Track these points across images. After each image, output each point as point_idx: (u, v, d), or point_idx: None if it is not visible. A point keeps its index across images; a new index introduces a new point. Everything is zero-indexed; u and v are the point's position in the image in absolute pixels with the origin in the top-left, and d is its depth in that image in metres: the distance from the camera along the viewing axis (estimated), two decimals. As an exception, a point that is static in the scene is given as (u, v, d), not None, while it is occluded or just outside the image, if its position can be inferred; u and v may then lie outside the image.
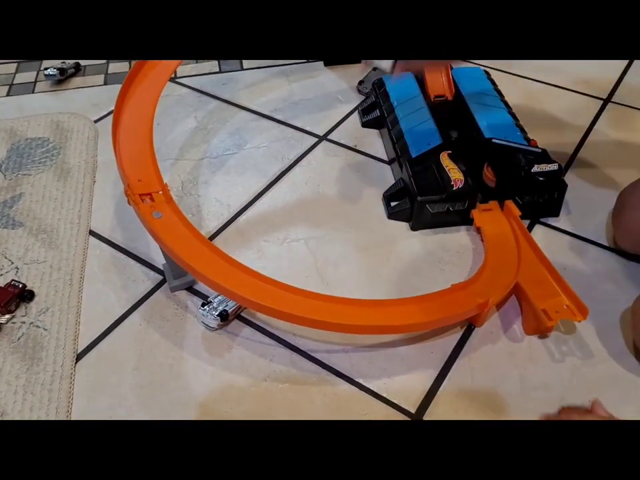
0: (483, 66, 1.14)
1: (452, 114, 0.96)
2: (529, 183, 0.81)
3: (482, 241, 0.80)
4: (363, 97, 1.09)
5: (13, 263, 0.79)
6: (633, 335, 0.68)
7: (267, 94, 1.12)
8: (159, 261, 0.79)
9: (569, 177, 0.91)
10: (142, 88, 0.79)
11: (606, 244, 0.81)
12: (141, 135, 0.73)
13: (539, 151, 0.85)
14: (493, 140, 0.86)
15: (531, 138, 0.89)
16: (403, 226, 0.85)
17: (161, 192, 0.69)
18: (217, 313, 0.70)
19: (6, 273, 0.78)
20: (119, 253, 0.81)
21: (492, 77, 1.04)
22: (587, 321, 0.68)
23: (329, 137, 1.01)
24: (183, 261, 0.63)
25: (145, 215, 0.65)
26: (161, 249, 0.72)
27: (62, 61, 1.18)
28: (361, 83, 1.11)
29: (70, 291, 0.75)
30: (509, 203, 0.81)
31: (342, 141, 1.00)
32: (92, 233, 0.84)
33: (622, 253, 0.80)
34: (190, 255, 0.63)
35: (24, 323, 0.71)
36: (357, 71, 1.15)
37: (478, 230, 0.81)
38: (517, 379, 0.66)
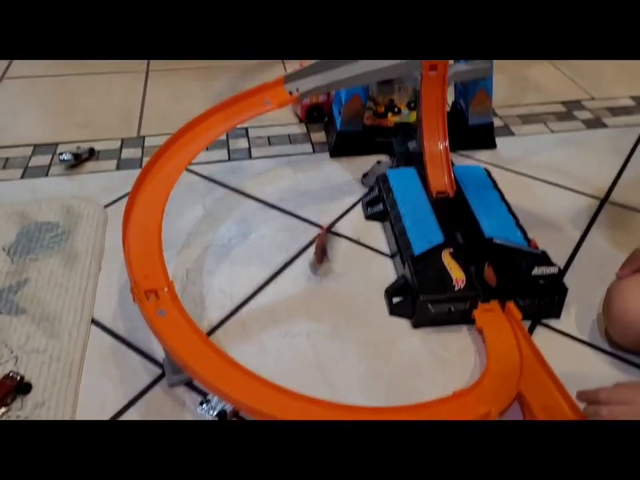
0: (484, 162, 1.19)
1: (453, 211, 0.99)
2: (529, 285, 0.82)
3: (484, 342, 0.80)
4: (367, 189, 1.12)
5: (12, 352, 0.79)
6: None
7: (273, 183, 1.15)
8: (160, 353, 0.78)
9: (569, 277, 0.92)
10: (154, 183, 0.81)
11: (607, 348, 0.81)
12: (150, 230, 0.75)
13: (539, 252, 0.86)
14: (494, 240, 0.88)
15: (531, 238, 0.91)
16: (405, 322, 0.85)
17: (166, 289, 0.69)
18: (215, 413, 0.69)
19: (5, 362, 0.77)
20: (120, 344, 0.81)
21: (492, 174, 1.07)
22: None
23: (332, 229, 1.03)
24: (185, 362, 0.63)
25: (149, 313, 0.66)
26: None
27: (77, 145, 1.22)
28: (365, 175, 1.14)
29: (68, 383, 0.74)
30: (510, 305, 0.82)
31: (345, 233, 1.02)
32: (94, 321, 0.84)
33: (622, 358, 0.79)
34: (191, 357, 0.63)
35: (19, 417, 0.70)
36: (361, 163, 1.19)
37: (479, 330, 0.81)
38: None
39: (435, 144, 1.03)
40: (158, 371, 0.77)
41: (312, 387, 0.67)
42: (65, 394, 0.73)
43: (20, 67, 1.58)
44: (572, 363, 0.79)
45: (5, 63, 1.58)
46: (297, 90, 0.93)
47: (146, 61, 1.61)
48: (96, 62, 1.58)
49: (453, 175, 1.03)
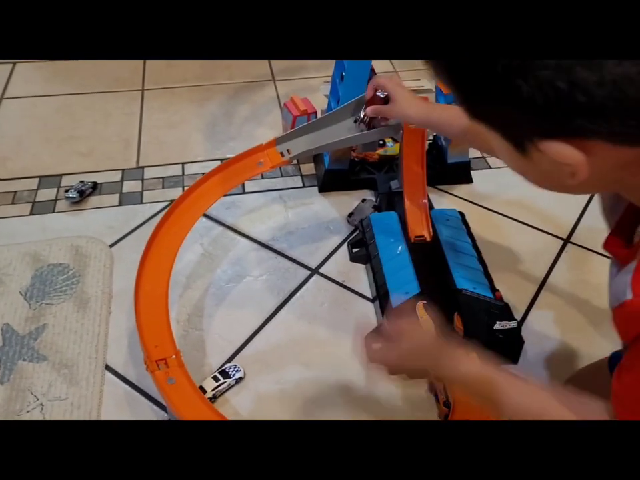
0: (460, 198, 1.29)
1: (429, 256, 1.09)
2: (491, 337, 0.94)
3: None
4: (352, 228, 1.22)
5: (38, 399, 0.90)
6: None
7: (266, 221, 1.24)
8: (168, 400, 0.90)
9: (530, 320, 1.04)
10: (159, 251, 0.91)
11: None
12: (158, 299, 0.85)
13: (502, 305, 0.98)
14: (463, 291, 0.99)
15: (497, 288, 1.02)
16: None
17: (174, 356, 0.80)
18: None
19: (32, 409, 0.88)
20: (132, 391, 0.92)
21: (466, 216, 1.17)
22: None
23: (320, 270, 1.14)
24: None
25: (160, 382, 0.77)
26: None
27: (81, 180, 1.30)
28: (350, 214, 1.24)
29: (89, 431, 0.86)
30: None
31: (332, 275, 1.13)
32: (108, 367, 0.95)
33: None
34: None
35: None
36: (347, 200, 1.28)
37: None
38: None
39: (416, 201, 1.14)
40: (166, 416, 0.89)
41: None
42: (87, 442, 0.84)
43: (18, 86, 1.63)
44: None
45: (2, 82, 1.63)
46: (288, 152, 1.02)
47: (141, 79, 1.67)
48: (93, 81, 1.64)
49: (430, 220, 1.13)
